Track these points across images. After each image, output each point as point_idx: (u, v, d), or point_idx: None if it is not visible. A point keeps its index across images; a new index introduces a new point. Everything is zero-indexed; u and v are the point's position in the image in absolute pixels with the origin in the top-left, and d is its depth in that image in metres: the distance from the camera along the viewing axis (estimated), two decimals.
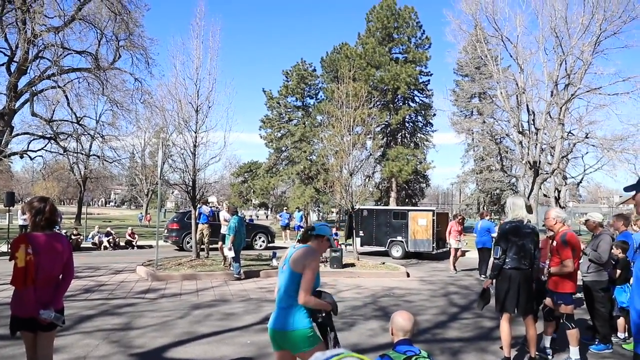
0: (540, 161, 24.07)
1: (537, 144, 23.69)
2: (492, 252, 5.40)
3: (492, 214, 43.87)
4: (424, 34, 39.37)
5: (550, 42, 23.56)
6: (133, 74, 23.87)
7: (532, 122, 23.87)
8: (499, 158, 29.82)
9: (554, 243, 5.40)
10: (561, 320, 5.42)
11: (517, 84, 24.12)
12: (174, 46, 19.71)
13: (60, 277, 3.71)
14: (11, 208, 17.64)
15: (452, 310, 8.07)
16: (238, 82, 23.59)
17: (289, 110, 47.20)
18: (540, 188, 29.04)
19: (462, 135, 38.61)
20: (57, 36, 21.42)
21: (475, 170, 41.02)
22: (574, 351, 5.28)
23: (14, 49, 21.55)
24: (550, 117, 24.60)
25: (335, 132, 21.49)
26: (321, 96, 45.41)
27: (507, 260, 5.08)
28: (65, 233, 17.23)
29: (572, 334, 5.26)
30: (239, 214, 13.11)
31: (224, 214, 13.07)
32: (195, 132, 13.16)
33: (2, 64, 21.85)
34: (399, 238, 16.81)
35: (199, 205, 13.70)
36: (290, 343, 3.31)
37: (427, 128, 41.96)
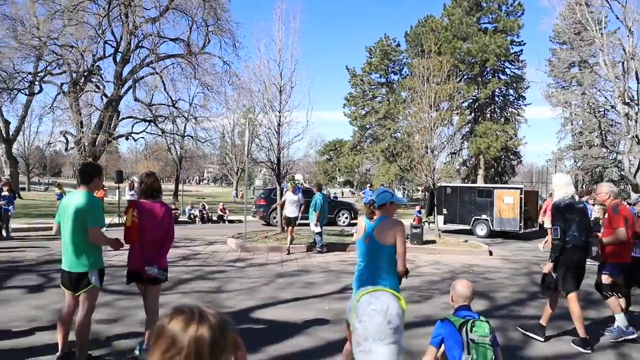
0: None
1: None
2: (549, 232, 5.25)
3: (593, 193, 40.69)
4: (516, 0, 36.81)
5: None
6: (222, 57, 25.21)
7: None
8: (599, 132, 27.37)
9: (606, 215, 5.40)
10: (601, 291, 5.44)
11: (624, 50, 21.89)
12: (258, 30, 20.51)
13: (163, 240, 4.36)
14: (120, 185, 19.67)
15: (532, 289, 7.85)
16: (321, 60, 24.16)
17: (372, 87, 46.90)
18: None
19: (558, 108, 35.83)
20: (153, 26, 23.19)
21: (573, 146, 38.08)
22: (619, 318, 5.25)
23: (118, 41, 23.68)
24: None
25: (419, 108, 21.12)
26: (405, 72, 44.49)
27: (567, 239, 4.96)
28: None
29: (613, 302, 5.31)
30: (323, 191, 13.55)
31: (288, 196, 11.56)
32: (279, 112, 13.71)
33: (109, 55, 24.13)
34: (484, 216, 16.34)
35: (283, 183, 14.36)
36: None
37: (519, 102, 39.62)
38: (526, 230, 16.05)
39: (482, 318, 3.18)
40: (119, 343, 4.72)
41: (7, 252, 9.91)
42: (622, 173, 35.01)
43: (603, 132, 26.93)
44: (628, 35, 21.52)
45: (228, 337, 1.18)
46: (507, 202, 15.90)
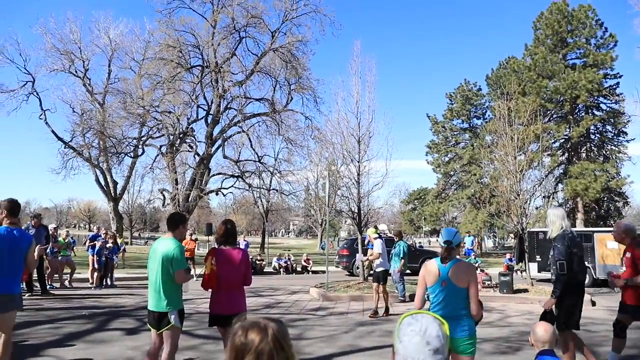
0: None
1: None
2: (553, 268, 4.88)
3: None
4: (606, 32, 34.90)
5: None
6: (303, 113, 26.36)
7: None
8: None
9: (628, 255, 5.18)
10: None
11: None
12: (336, 84, 21.31)
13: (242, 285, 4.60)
14: (210, 237, 20.82)
15: None
16: (402, 109, 24.51)
17: (455, 133, 46.10)
18: None
19: None
20: (240, 88, 25.06)
21: None
22: (612, 355, 5.32)
23: (209, 104, 25.84)
24: None
25: (504, 151, 20.35)
26: (489, 115, 43.31)
27: (571, 274, 4.83)
28: (251, 259, 19.62)
29: (619, 343, 5.36)
30: (404, 240, 13.32)
31: (378, 246, 9.76)
32: (358, 162, 13.96)
33: (202, 118, 26.33)
34: (585, 263, 14.93)
35: (365, 233, 14.36)
36: (460, 347, 3.49)
37: (620, 138, 36.51)
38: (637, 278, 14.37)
39: None
40: None
41: (110, 297, 10.81)
42: None
43: None
44: None
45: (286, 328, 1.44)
46: (610, 247, 14.46)
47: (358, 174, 13.91)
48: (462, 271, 3.58)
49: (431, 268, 3.65)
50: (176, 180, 24.95)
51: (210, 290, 4.53)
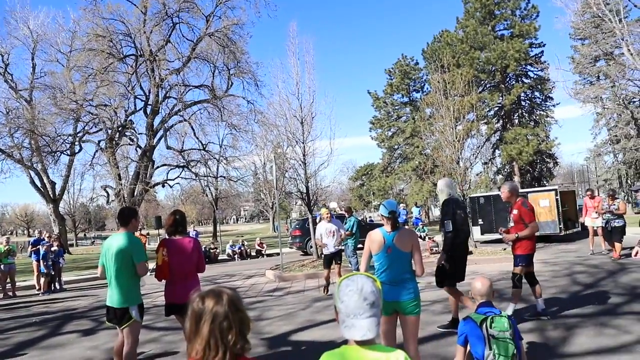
0: None
1: None
2: (442, 227, 5.64)
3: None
4: (529, 3, 36.68)
5: None
6: (245, 97, 26.12)
7: None
8: (634, 123, 26.53)
9: (515, 212, 5.92)
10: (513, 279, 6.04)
11: None
12: (275, 67, 21.23)
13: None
14: (160, 231, 20.41)
15: (573, 289, 7.72)
16: (343, 87, 24.62)
17: (396, 107, 47.15)
18: None
19: (588, 105, 35.03)
20: (178, 76, 24.41)
21: (611, 141, 36.85)
22: (511, 308, 5.91)
23: (147, 95, 25.01)
24: None
25: (444, 123, 21.17)
26: (427, 88, 44.55)
27: (457, 232, 5.54)
28: (204, 248, 19.47)
29: (518, 292, 6.04)
30: (355, 216, 13.66)
31: (322, 226, 9.31)
32: (303, 143, 14.14)
33: (140, 109, 25.45)
34: (468, 223, 15.97)
35: (318, 212, 14.62)
36: (407, 309, 3.77)
37: (547, 103, 38.85)
38: (567, 232, 15.63)
39: (502, 313, 3.29)
40: None
41: (60, 302, 10.51)
42: None
43: (638, 122, 26.09)
44: None
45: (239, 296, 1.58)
46: (543, 205, 15.58)
47: (304, 155, 14.12)
48: (406, 237, 3.87)
49: (375, 237, 3.90)
50: (119, 175, 24.15)
51: (163, 280, 4.61)
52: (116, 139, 24.41)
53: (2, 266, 11.82)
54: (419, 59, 45.60)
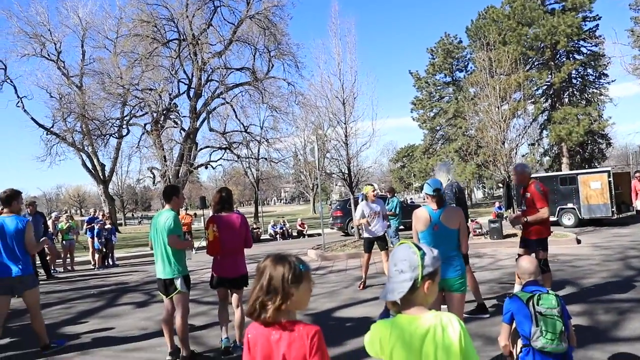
0: None
1: None
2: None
3: None
4: None
5: None
6: (286, 79, 26.19)
7: None
8: None
9: (528, 195, 5.55)
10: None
11: None
12: (316, 48, 21.14)
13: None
14: (204, 211, 21.02)
15: (627, 273, 7.43)
16: (384, 68, 24.38)
17: (438, 87, 46.14)
18: None
19: None
20: (220, 59, 24.73)
21: None
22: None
23: (190, 78, 25.53)
24: None
25: (489, 102, 20.56)
26: (471, 67, 43.32)
27: None
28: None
29: (548, 276, 5.61)
30: (397, 197, 13.58)
31: (364, 207, 7.79)
32: (345, 124, 14.11)
33: (183, 92, 26.04)
34: (570, 205, 15.48)
35: (359, 193, 14.65)
36: (454, 286, 3.81)
37: (601, 80, 36.90)
38: (620, 215, 14.97)
39: (550, 291, 3.24)
40: (217, 342, 5.23)
41: (114, 276, 11.10)
42: None
43: None
44: None
45: (302, 272, 1.76)
46: (594, 188, 14.97)
47: (345, 136, 14.09)
48: (453, 214, 3.88)
49: (421, 215, 3.91)
50: (164, 157, 24.93)
51: (213, 256, 4.79)
52: (161, 122, 25.15)
53: (63, 242, 12.58)
54: (462, 37, 44.30)
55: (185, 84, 25.95)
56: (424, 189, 3.98)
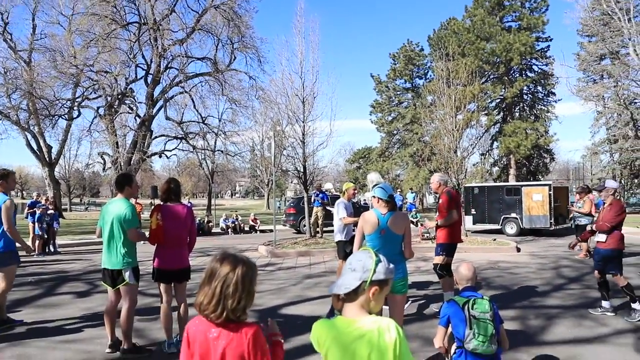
0: None
1: None
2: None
3: (633, 187, 39.24)
4: None
5: None
6: (247, 72, 26.01)
7: None
8: (632, 124, 26.68)
9: (440, 201, 6.02)
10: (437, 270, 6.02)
11: None
12: (280, 44, 21.06)
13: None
14: (154, 200, 20.51)
15: (558, 282, 7.92)
16: (346, 69, 24.65)
17: (398, 93, 47.00)
18: None
19: (589, 103, 35.10)
20: (181, 47, 24.19)
21: (609, 140, 37.01)
22: (447, 295, 5.84)
23: (149, 64, 24.81)
24: None
25: (445, 111, 21.17)
26: (430, 76, 44.42)
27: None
28: (199, 220, 19.62)
29: (446, 282, 5.92)
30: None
31: (341, 209, 7.17)
32: (303, 122, 14.15)
33: (141, 78, 25.29)
34: (513, 215, 16.25)
35: (313, 191, 14.75)
36: (395, 287, 3.91)
37: (549, 98, 38.84)
38: (557, 227, 15.88)
39: (484, 297, 3.44)
40: (159, 335, 5.16)
41: (55, 264, 10.66)
42: None
43: (637, 123, 26.23)
44: None
45: (256, 274, 1.83)
46: (536, 200, 15.79)
47: (303, 134, 14.13)
48: (400, 220, 4.01)
49: (369, 218, 4.02)
50: (117, 143, 24.14)
51: (154, 245, 4.66)
52: (115, 107, 24.32)
53: None
54: (424, 45, 45.29)
55: (143, 70, 25.22)
56: (376, 192, 4.08)
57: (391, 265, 1.83)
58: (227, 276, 1.72)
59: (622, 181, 37.05)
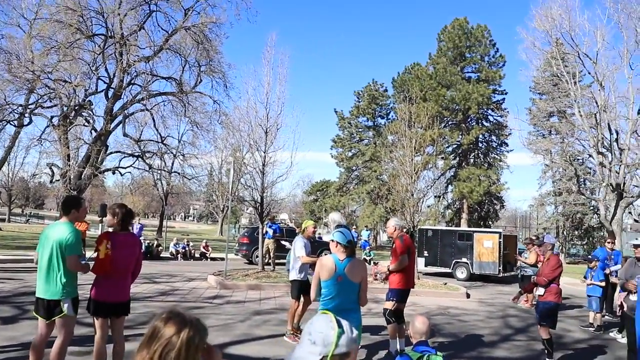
0: (624, 183, 22.55)
1: (621, 165, 22.28)
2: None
3: (574, 239, 41.21)
4: (498, 52, 38.59)
5: (637, 57, 22.36)
6: (212, 96, 25.70)
7: (614, 142, 22.53)
8: (576, 180, 28.22)
9: (394, 245, 6.09)
10: (385, 315, 6.00)
11: (596, 102, 22.94)
12: (247, 73, 21.16)
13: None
14: (104, 219, 19.61)
15: (505, 332, 8.03)
16: (311, 102, 25.03)
17: (360, 130, 47.89)
18: (631, 212, 27.06)
19: (538, 156, 36.99)
20: (147, 64, 23.73)
21: (554, 192, 38.93)
22: (393, 343, 5.87)
23: (111, 78, 24.14)
24: (638, 135, 23.14)
25: (405, 152, 21.63)
26: (392, 116, 45.61)
27: None
28: (147, 243, 18.86)
29: (393, 328, 5.90)
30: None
31: (300, 244, 6.91)
32: (264, 152, 14.04)
33: (101, 91, 24.51)
34: (464, 259, 16.57)
35: (266, 222, 14.53)
36: None
37: (502, 148, 40.68)
38: (505, 274, 16.28)
39: (438, 353, 3.38)
40: None
41: None
42: (600, 219, 35.82)
43: (580, 179, 27.74)
44: (600, 89, 22.61)
45: (204, 339, 1.61)
46: (486, 246, 16.20)
47: (263, 164, 14.00)
48: (357, 268, 3.93)
49: (327, 263, 3.92)
50: (68, 155, 23.05)
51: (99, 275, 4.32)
52: (71, 118, 23.36)
53: None
54: (388, 86, 46.67)
55: (105, 83, 24.47)
56: (336, 237, 3.99)
57: (354, 334, 1.70)
58: (170, 340, 1.50)
59: (565, 232, 38.82)
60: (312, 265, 6.95)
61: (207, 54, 24.50)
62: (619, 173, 22.27)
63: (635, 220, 29.34)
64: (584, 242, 38.42)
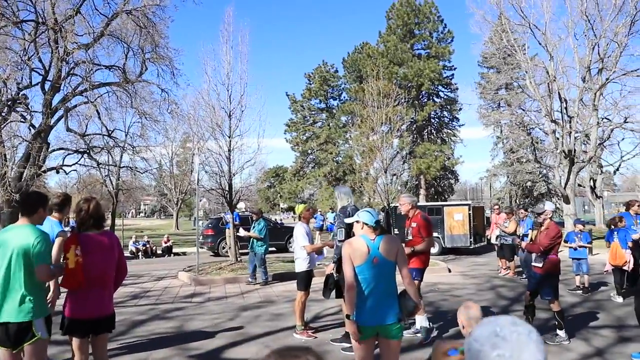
0: (575, 150, 23.41)
1: (571, 132, 23.09)
2: (336, 236, 5.48)
3: (522, 207, 42.99)
4: (446, 27, 38.97)
5: (581, 27, 23.05)
6: (159, 85, 24.24)
7: (564, 110, 23.30)
8: (532, 148, 29.17)
9: (414, 224, 5.81)
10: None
11: (547, 72, 23.57)
12: (205, 53, 19.92)
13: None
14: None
15: (502, 303, 7.90)
16: (262, 86, 23.75)
17: (313, 112, 47.35)
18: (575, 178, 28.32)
19: (490, 128, 38.04)
20: (87, 53, 21.93)
21: (506, 163, 40.25)
22: (419, 319, 5.76)
23: (47, 68, 22.19)
24: (584, 103, 24.03)
25: (361, 132, 21.35)
26: (344, 97, 45.40)
27: None
28: None
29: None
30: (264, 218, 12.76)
31: (302, 229, 6.32)
32: (229, 137, 13.25)
33: (37, 84, 22.49)
34: (435, 234, 16.52)
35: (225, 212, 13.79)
36: (392, 332, 3.32)
37: (454, 123, 41.46)
38: (476, 246, 16.44)
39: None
40: None
41: None
42: (550, 186, 37.42)
43: (534, 148, 28.69)
44: (549, 60, 23.23)
45: None
46: (457, 219, 16.24)
47: (229, 150, 13.23)
48: (391, 243, 3.42)
49: (358, 245, 3.39)
50: (5, 155, 21.10)
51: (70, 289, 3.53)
52: (4, 114, 21.33)
53: None
54: (339, 67, 46.27)
55: (40, 74, 22.44)
56: (363, 217, 3.47)
57: None
58: None
59: (517, 200, 40.37)
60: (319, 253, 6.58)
61: (151, 39, 22.98)
62: (570, 140, 23.08)
63: (580, 185, 30.77)
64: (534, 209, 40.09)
